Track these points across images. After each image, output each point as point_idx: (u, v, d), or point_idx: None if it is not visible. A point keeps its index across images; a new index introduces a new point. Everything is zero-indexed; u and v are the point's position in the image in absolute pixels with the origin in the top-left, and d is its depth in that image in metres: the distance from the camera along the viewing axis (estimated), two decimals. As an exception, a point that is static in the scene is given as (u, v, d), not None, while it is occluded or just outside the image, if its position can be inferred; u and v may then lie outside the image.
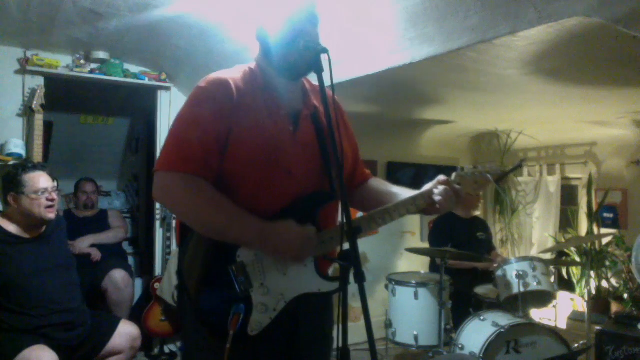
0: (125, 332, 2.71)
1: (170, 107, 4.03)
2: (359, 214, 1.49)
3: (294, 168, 1.37)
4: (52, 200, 2.53)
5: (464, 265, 3.61)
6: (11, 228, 2.49)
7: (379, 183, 1.68)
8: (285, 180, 1.36)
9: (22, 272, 2.43)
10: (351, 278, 1.19)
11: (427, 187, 1.52)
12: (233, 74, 1.41)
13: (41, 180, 2.52)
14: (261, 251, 1.32)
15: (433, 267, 3.85)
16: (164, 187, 1.33)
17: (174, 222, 3.88)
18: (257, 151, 1.34)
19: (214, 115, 1.33)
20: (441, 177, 1.53)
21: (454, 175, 1.56)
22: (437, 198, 1.48)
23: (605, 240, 4.38)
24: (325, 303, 1.51)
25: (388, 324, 3.33)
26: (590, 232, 4.48)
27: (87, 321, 2.63)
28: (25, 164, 2.54)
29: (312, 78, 1.45)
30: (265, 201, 1.35)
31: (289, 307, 1.34)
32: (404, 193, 1.53)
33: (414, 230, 5.15)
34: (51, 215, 2.53)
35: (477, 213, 3.95)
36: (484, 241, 3.84)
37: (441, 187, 1.49)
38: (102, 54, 3.63)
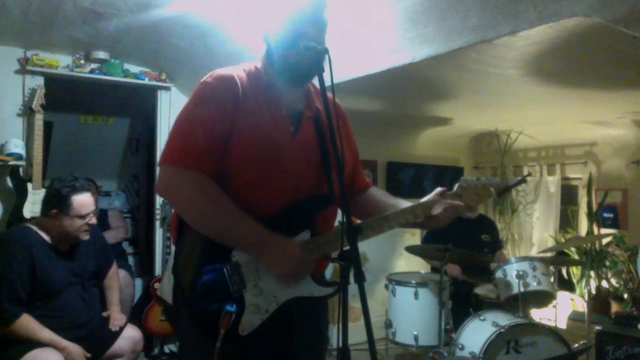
0: (128, 336, 2.71)
1: (170, 107, 4.03)
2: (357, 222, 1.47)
3: (290, 168, 1.37)
4: (92, 225, 2.55)
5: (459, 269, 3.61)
6: (44, 236, 2.48)
7: (379, 193, 1.67)
8: (281, 180, 1.36)
9: (52, 283, 2.43)
10: (351, 278, 1.19)
11: (426, 198, 1.49)
12: (238, 71, 1.41)
13: (87, 205, 2.52)
14: (256, 258, 1.32)
15: (433, 269, 3.85)
16: (169, 182, 1.33)
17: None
18: (254, 149, 1.34)
19: (220, 112, 1.33)
20: (439, 190, 1.49)
21: (456, 186, 1.52)
22: (436, 212, 1.45)
23: (605, 240, 4.38)
24: (321, 304, 1.51)
25: (388, 324, 3.33)
26: (590, 232, 4.48)
27: (99, 330, 2.63)
28: (74, 184, 2.50)
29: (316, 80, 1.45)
30: (261, 199, 1.35)
31: (282, 309, 1.34)
32: (403, 204, 1.51)
33: (413, 230, 5.15)
34: (86, 237, 2.55)
35: (478, 212, 3.91)
36: (488, 243, 3.80)
37: (440, 204, 1.45)
38: (102, 54, 3.63)
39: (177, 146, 1.33)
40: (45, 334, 2.35)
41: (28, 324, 2.32)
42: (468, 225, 3.78)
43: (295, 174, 1.38)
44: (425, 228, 1.51)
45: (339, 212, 1.51)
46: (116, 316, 2.77)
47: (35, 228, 2.49)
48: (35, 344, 2.31)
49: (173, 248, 3.94)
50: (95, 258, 2.74)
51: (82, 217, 2.49)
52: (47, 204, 2.50)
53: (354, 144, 1.63)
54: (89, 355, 2.45)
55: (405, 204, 1.52)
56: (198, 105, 1.36)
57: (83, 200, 2.51)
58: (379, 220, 1.42)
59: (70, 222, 2.47)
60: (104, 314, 2.77)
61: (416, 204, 1.47)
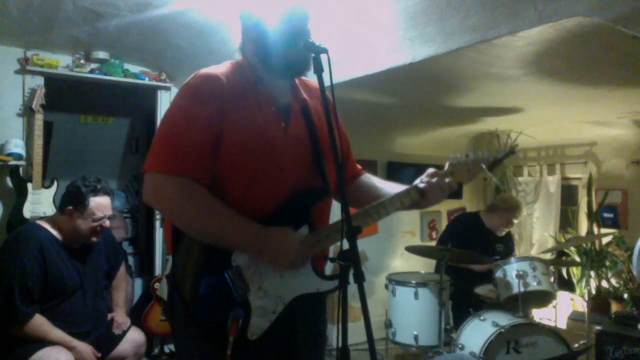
0: (132, 339, 2.68)
1: (170, 107, 4.03)
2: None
3: (285, 164, 1.36)
4: (103, 228, 2.53)
5: (462, 265, 3.61)
6: (56, 234, 2.46)
7: (372, 179, 1.66)
8: (277, 177, 1.34)
9: (64, 283, 2.41)
10: (351, 278, 1.19)
11: (419, 180, 1.51)
12: (222, 70, 1.38)
13: (102, 209, 2.50)
14: (257, 257, 1.30)
15: (439, 266, 3.85)
16: (156, 190, 1.29)
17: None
18: (248, 148, 1.32)
19: (205, 113, 1.29)
20: (430, 170, 1.52)
21: (447, 165, 1.54)
22: (424, 187, 1.47)
23: (605, 240, 4.38)
24: (320, 303, 1.50)
25: (388, 324, 3.33)
26: (590, 232, 4.48)
27: (104, 332, 2.61)
28: (95, 185, 2.49)
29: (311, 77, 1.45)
30: (257, 199, 1.33)
31: (287, 309, 1.33)
32: (397, 189, 1.52)
33: (413, 230, 5.15)
34: (95, 239, 2.53)
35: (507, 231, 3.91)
36: (499, 253, 3.78)
37: (428, 180, 1.48)
38: (102, 54, 3.63)
39: (163, 152, 1.30)
40: (57, 334, 2.33)
41: (41, 324, 2.31)
42: (487, 235, 3.80)
43: (290, 170, 1.36)
44: (417, 208, 1.52)
45: (334, 203, 1.50)
46: (120, 319, 2.74)
47: (46, 225, 2.47)
48: (45, 342, 2.30)
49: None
50: (107, 257, 2.72)
51: (95, 219, 2.47)
52: (64, 200, 2.48)
53: (343, 130, 1.60)
54: (99, 355, 2.44)
55: (398, 187, 1.52)
56: (183, 108, 1.33)
57: (100, 203, 2.48)
58: (376, 206, 1.42)
59: (83, 221, 2.44)
60: (109, 316, 2.75)
61: (411, 187, 1.48)
